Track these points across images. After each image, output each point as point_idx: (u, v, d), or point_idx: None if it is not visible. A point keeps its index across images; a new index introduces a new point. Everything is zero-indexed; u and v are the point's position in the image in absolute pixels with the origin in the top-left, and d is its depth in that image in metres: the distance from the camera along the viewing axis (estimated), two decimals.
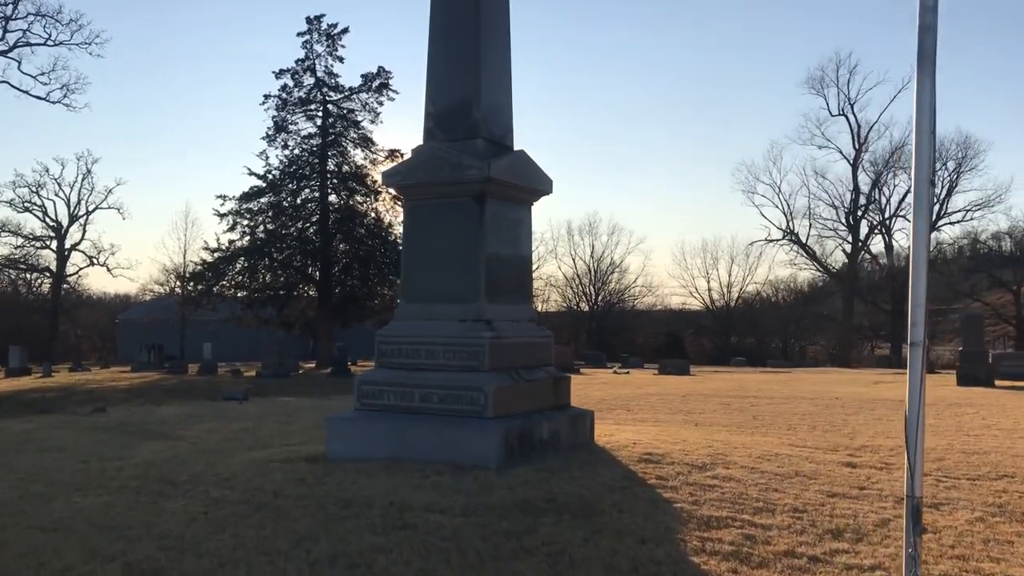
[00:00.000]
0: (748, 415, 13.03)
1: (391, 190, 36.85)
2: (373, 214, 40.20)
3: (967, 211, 56.13)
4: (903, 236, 58.64)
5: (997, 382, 19.98)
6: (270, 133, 37.34)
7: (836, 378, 25.87)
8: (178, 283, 50.16)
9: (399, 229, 42.33)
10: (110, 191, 61.59)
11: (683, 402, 15.63)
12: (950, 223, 57.07)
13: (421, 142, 8.29)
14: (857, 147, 56.11)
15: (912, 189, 3.08)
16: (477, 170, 7.61)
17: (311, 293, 40.77)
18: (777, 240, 58.69)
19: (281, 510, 5.98)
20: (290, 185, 38.20)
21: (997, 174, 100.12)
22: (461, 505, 5.90)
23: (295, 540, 5.25)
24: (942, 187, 55.96)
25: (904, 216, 56.61)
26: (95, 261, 59.34)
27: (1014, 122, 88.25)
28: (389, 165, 40.89)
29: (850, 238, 56.96)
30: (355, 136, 39.63)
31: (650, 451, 8.06)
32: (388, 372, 7.93)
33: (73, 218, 59.03)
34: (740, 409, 14.03)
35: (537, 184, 8.33)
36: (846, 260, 57.28)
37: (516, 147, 8.50)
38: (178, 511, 6.10)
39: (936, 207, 56.02)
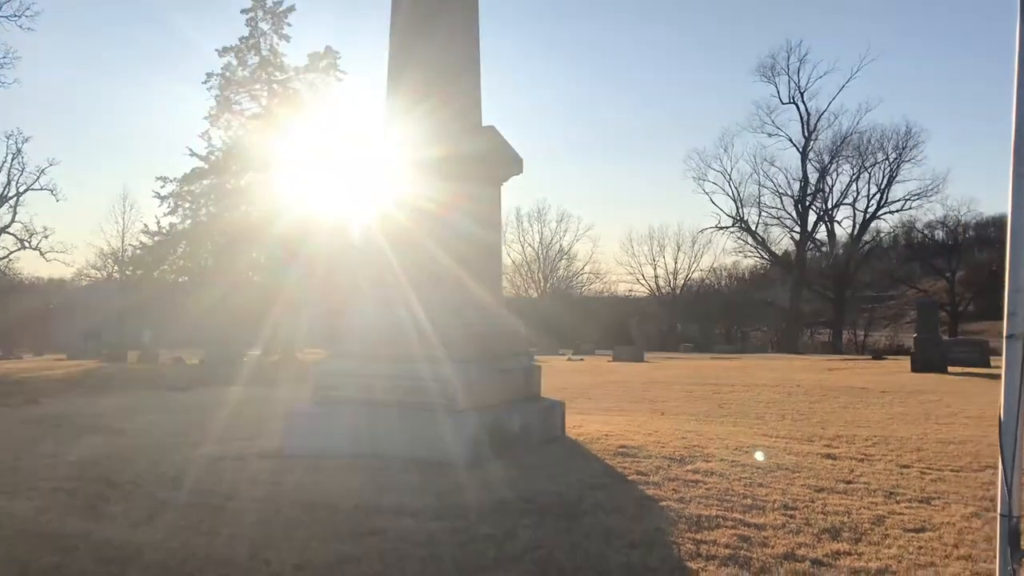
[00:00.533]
0: (713, 403, 12.82)
1: None
2: None
3: (906, 200, 57.29)
4: (849, 224, 59.72)
5: (949, 368, 20.19)
6: (213, 113, 36.17)
7: (788, 365, 26.01)
8: (116, 268, 48.54)
9: None
10: (42, 171, 59.12)
11: (645, 390, 15.39)
12: (889, 212, 58.21)
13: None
14: (806, 135, 56.81)
15: (1013, 155, 2.71)
16: (447, 146, 7.15)
17: (257, 279, 39.74)
18: (727, 227, 59.21)
19: (236, 515, 5.48)
20: (234, 167, 37.07)
21: (935, 164, 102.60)
22: (433, 507, 5.47)
23: (253, 549, 4.77)
24: (883, 177, 56.99)
25: (850, 204, 57.58)
26: (27, 244, 57.02)
27: (953, 113, 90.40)
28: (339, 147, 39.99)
29: (798, 226, 57.73)
30: (302, 118, 38.61)
31: (624, 444, 7.71)
32: (347, 362, 7.44)
33: (2, 199, 56.63)
34: (704, 397, 13.83)
35: (508, 162, 7.90)
36: (794, 247, 58.02)
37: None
38: (119, 516, 5.55)
39: (877, 196, 57.10)
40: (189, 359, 29.40)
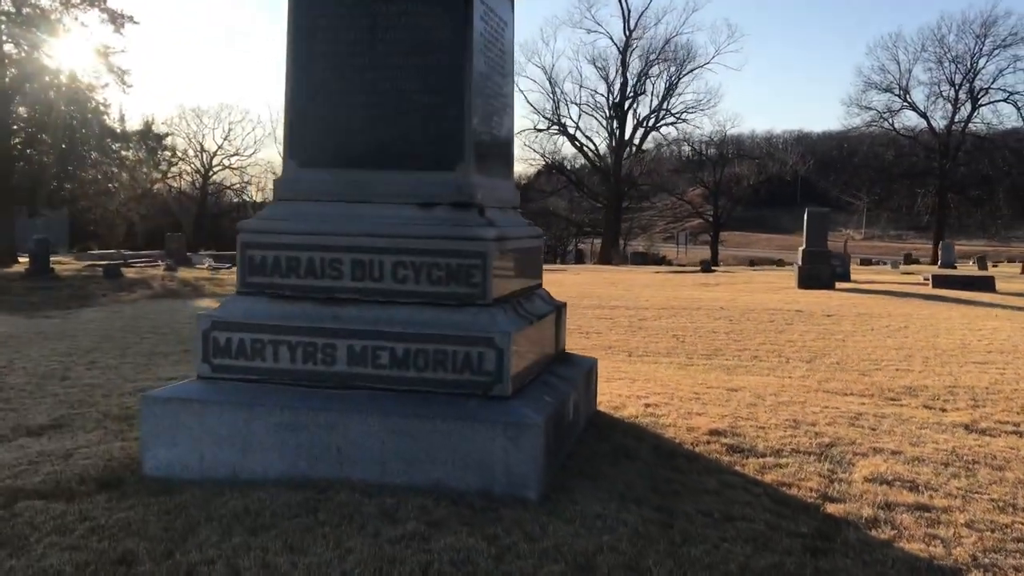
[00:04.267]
0: (664, 337, 10.54)
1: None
2: (67, 72, 32.98)
3: (682, 113, 58.05)
4: (673, 131, 60.15)
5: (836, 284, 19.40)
6: None
7: (649, 279, 24.54)
8: None
9: (104, 94, 35.22)
10: None
11: None
12: (666, 124, 58.91)
13: None
14: (627, 34, 55.48)
15: None
16: None
17: None
18: (544, 130, 57.26)
19: None
20: None
21: (709, 79, 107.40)
22: None
23: None
24: (665, 88, 57.38)
25: (667, 110, 57.54)
26: None
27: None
28: (86, 12, 33.18)
29: (617, 131, 56.91)
30: None
31: (714, 427, 5.13)
32: (272, 305, 4.19)
33: None
34: (637, 327, 11.53)
35: None
36: (610, 153, 57.32)
37: None
38: None
39: (657, 109, 57.61)
40: None
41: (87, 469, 4.19)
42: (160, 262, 29.29)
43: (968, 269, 36.45)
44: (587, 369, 5.17)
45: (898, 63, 57.93)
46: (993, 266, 44.57)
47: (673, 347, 9.61)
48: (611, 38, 56.80)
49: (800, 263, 19.91)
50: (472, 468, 3.74)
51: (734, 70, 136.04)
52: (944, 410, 6.32)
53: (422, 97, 4.18)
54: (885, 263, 50.80)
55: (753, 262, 52.25)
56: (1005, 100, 56.53)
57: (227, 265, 27.96)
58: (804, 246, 20.16)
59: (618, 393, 6.18)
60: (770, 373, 7.88)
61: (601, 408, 5.56)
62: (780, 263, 49.24)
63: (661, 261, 49.62)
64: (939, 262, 41.55)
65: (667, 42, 55.53)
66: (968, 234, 64.57)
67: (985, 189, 57.10)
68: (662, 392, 6.30)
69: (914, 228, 70.11)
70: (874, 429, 5.44)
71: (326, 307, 4.12)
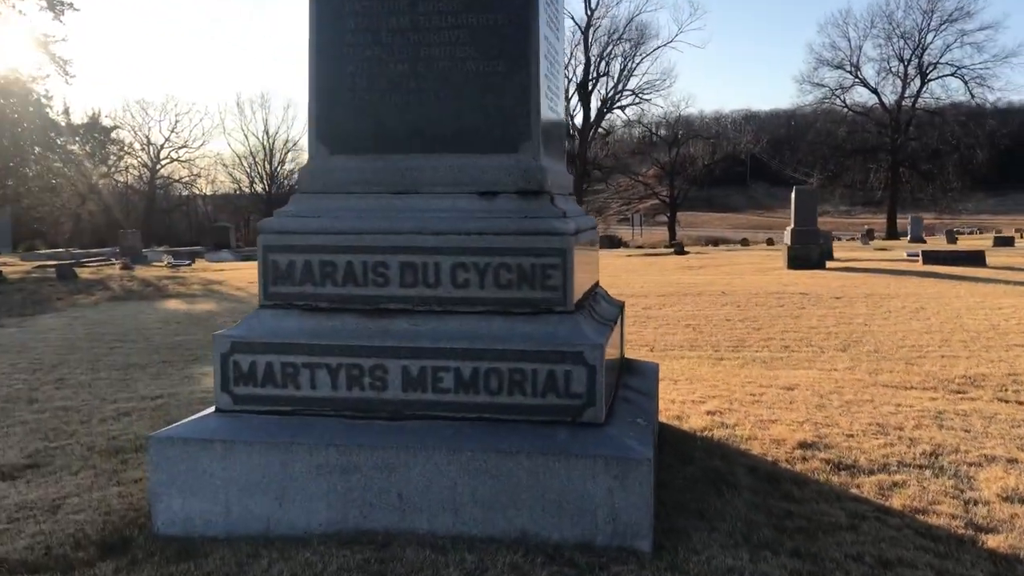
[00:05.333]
0: (677, 327, 9.95)
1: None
2: (6, 63, 31.47)
3: (639, 93, 57.54)
4: (637, 111, 59.64)
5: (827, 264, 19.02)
6: None
7: (626, 263, 24.03)
8: None
9: (46, 86, 33.77)
10: None
11: None
12: (627, 105, 58.45)
13: None
14: (589, 13, 54.68)
15: None
16: None
17: None
18: None
19: None
20: None
21: (671, 57, 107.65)
22: None
23: None
24: (626, 68, 56.84)
25: (632, 91, 57.00)
26: None
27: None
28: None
29: (578, 112, 56.22)
30: None
31: (800, 438, 4.55)
32: (304, 320, 3.49)
33: None
34: (646, 317, 10.92)
35: None
36: (576, 136, 56.58)
37: None
38: None
39: (617, 90, 57.02)
40: None
41: (83, 527, 3.46)
42: (114, 260, 28.06)
43: (937, 242, 36.56)
44: (655, 378, 4.55)
45: (849, 40, 58.16)
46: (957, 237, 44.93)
47: (693, 339, 9.03)
48: (572, 18, 55.96)
49: (789, 243, 19.48)
50: (567, 514, 3.09)
51: (697, 47, 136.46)
52: (1021, 403, 5.82)
53: (478, 64, 3.49)
54: (840, 238, 50.99)
55: (717, 242, 52.08)
56: (953, 75, 57.13)
57: (187, 262, 26.85)
58: (792, 225, 19.70)
59: (670, 399, 5.58)
60: (811, 366, 7.33)
61: (662, 418, 4.95)
62: (745, 242, 49.25)
63: (619, 243, 49.27)
64: (908, 236, 41.68)
65: (630, 21, 54.93)
66: (919, 207, 65.28)
67: (935, 163, 57.62)
68: (716, 396, 5.72)
69: (864, 204, 70.58)
70: (967, 431, 4.91)
71: (372, 320, 3.43)
